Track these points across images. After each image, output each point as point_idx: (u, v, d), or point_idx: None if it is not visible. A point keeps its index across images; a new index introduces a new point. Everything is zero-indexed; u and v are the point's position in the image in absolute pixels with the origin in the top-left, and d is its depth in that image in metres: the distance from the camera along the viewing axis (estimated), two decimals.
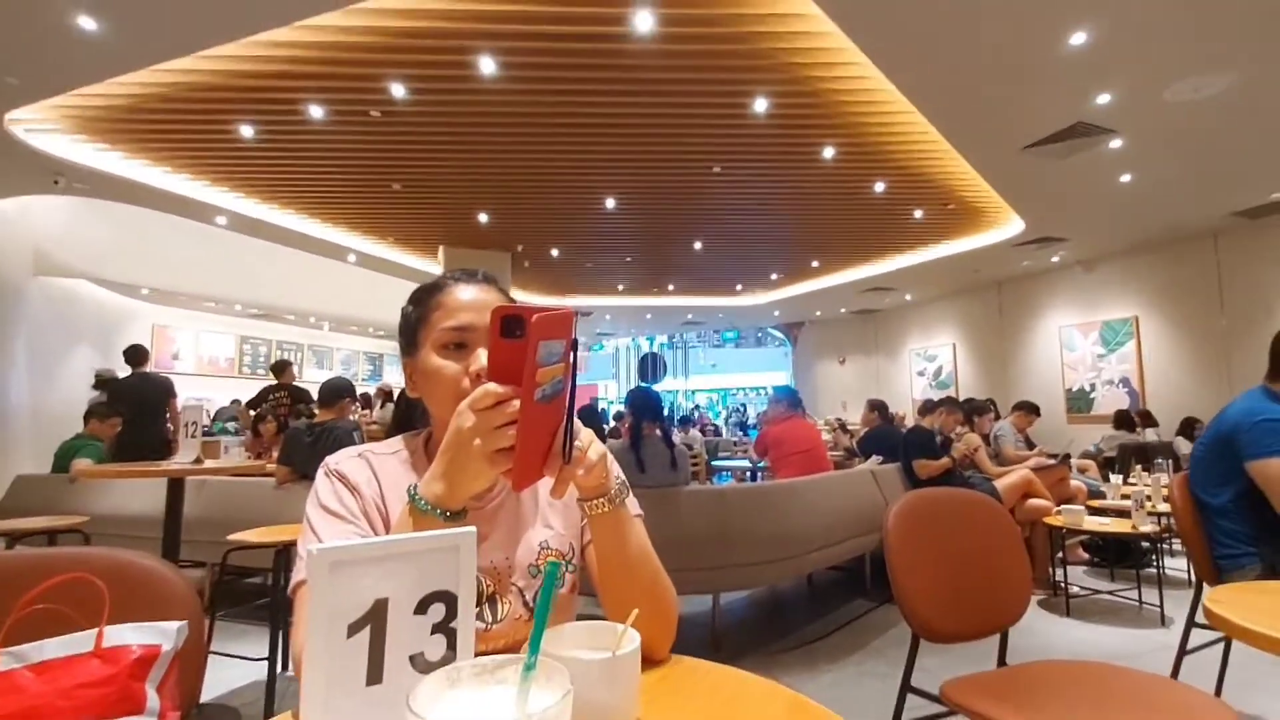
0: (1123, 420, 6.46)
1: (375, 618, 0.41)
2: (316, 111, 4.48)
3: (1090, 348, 8.58)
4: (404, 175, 5.72)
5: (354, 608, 0.41)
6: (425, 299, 0.83)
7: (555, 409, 0.58)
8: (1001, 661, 1.49)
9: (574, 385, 0.59)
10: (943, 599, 1.35)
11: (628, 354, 25.54)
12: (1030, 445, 4.96)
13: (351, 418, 3.51)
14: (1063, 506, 3.51)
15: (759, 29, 3.66)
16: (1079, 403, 8.68)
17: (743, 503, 2.74)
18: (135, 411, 4.79)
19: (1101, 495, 4.05)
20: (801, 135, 4.99)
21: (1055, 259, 8.38)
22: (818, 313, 13.10)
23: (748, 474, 5.15)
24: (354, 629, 0.41)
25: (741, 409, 19.48)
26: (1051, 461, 4.17)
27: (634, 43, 3.76)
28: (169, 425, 5.82)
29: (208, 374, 10.55)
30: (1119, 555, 3.87)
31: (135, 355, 6.01)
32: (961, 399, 8.95)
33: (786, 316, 13.83)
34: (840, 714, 2.29)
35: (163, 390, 5.92)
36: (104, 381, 6.29)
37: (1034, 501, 3.54)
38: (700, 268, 9.52)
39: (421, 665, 0.43)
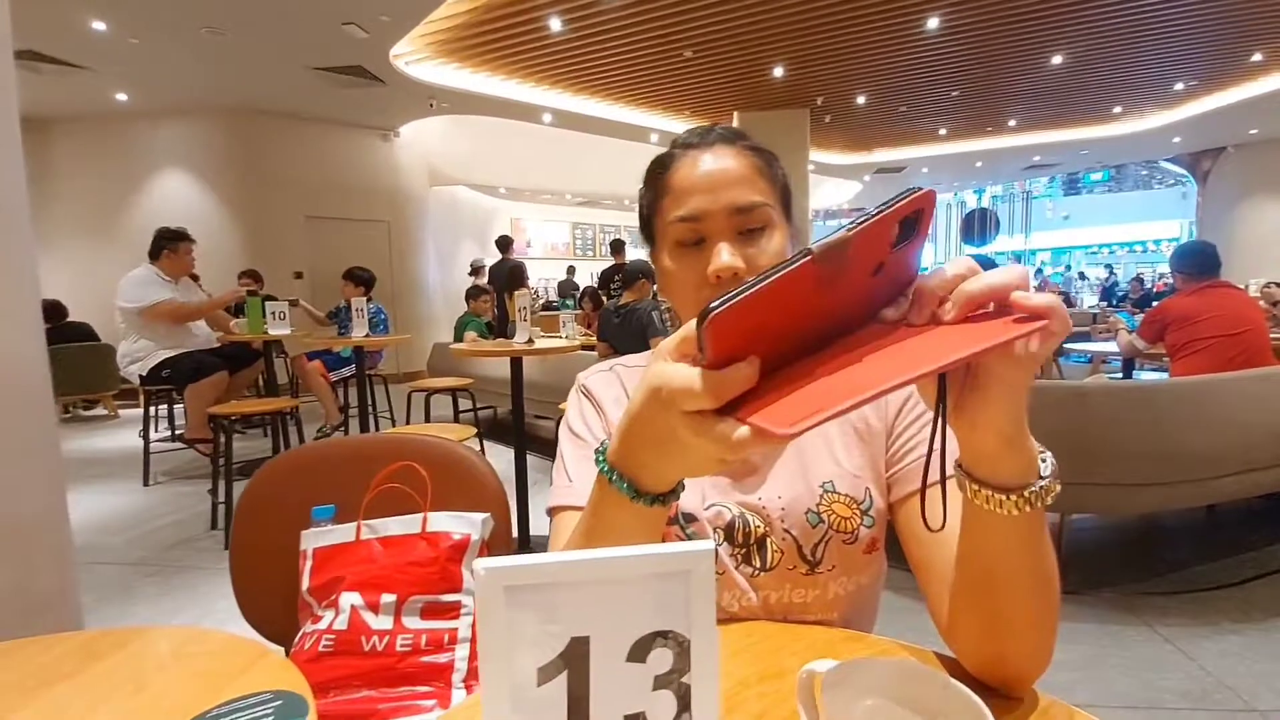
0: None
1: (572, 662, 0.30)
2: None
3: None
4: (694, 40, 5.47)
5: (543, 647, 0.30)
6: (654, 180, 0.65)
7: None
8: None
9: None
10: None
11: (948, 211, 21.88)
12: None
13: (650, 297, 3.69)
14: None
15: None
16: None
17: (1113, 407, 2.03)
18: (501, 288, 5.94)
19: None
20: None
21: None
22: (1252, 131, 9.09)
23: (1112, 361, 4.03)
24: (544, 675, 0.30)
25: (1109, 273, 15.20)
26: None
27: None
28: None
29: (550, 256, 12.68)
30: None
31: (503, 244, 7.43)
32: None
33: (1193, 143, 9.96)
34: (1248, 692, 1.66)
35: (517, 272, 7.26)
36: (476, 269, 7.97)
37: None
38: (1057, 91, 7.30)
39: None
